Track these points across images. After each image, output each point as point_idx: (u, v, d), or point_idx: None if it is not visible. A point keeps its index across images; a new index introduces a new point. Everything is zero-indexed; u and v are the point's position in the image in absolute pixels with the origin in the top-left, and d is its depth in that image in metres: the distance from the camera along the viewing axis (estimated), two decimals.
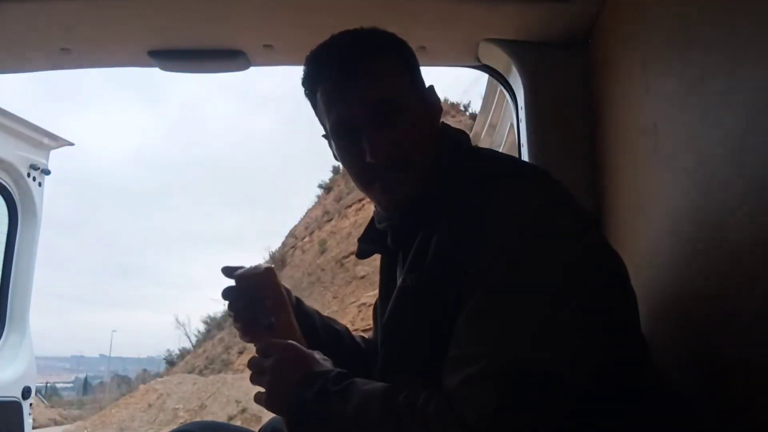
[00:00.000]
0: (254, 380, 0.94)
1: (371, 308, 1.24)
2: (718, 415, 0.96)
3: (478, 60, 1.71)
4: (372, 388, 0.85)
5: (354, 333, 1.29)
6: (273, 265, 1.17)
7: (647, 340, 0.93)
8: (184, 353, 19.94)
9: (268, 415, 1.04)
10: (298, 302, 1.18)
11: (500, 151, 1.80)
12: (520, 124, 1.63)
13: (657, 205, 1.21)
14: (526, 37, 1.58)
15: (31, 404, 2.41)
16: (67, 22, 1.48)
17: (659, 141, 1.18)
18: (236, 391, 11.36)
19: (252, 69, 1.71)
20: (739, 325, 0.92)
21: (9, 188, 2.43)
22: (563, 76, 1.59)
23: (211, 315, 20.35)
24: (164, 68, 1.66)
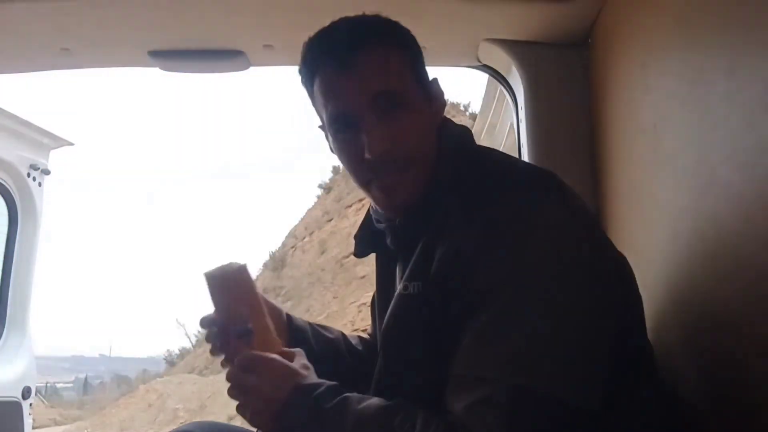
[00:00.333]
0: (234, 396, 0.89)
1: None
2: (719, 416, 0.96)
3: (478, 60, 1.71)
4: (366, 408, 0.82)
5: (352, 333, 1.25)
6: (246, 263, 1.00)
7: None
8: (184, 353, 19.91)
9: None
10: (289, 318, 1.13)
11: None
12: (520, 124, 1.64)
13: (657, 205, 1.21)
14: (526, 37, 1.58)
15: (31, 404, 2.41)
16: (67, 22, 1.48)
17: (659, 141, 1.18)
18: None
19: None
20: (739, 326, 0.92)
21: (9, 188, 2.43)
22: (563, 76, 1.59)
23: None
24: (164, 68, 1.66)
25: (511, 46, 1.59)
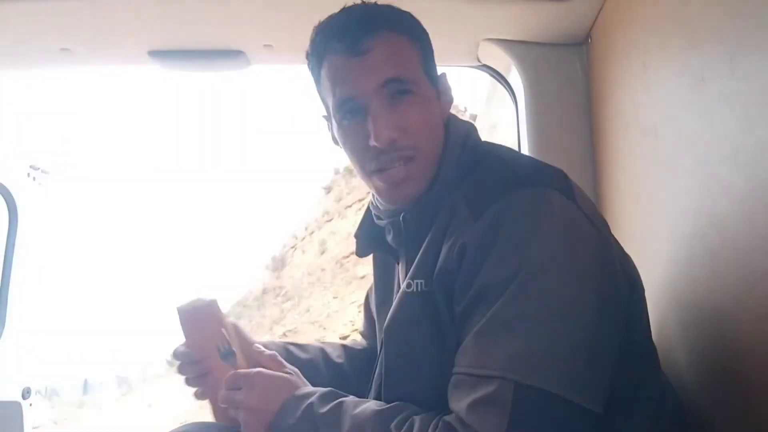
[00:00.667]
0: (231, 417, 0.91)
1: None
2: (720, 415, 0.96)
3: (478, 60, 1.71)
4: (362, 412, 0.82)
5: (334, 344, 1.23)
6: (215, 299, 1.06)
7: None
8: None
9: None
10: (265, 345, 1.09)
11: None
12: (520, 124, 1.64)
13: (657, 205, 1.21)
14: (526, 37, 1.58)
15: (31, 404, 2.41)
16: (67, 22, 1.48)
17: (659, 141, 1.18)
18: None
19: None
20: (739, 326, 0.92)
21: (9, 188, 2.43)
22: (563, 76, 1.59)
23: None
24: (164, 68, 1.66)
25: (511, 46, 1.59)
